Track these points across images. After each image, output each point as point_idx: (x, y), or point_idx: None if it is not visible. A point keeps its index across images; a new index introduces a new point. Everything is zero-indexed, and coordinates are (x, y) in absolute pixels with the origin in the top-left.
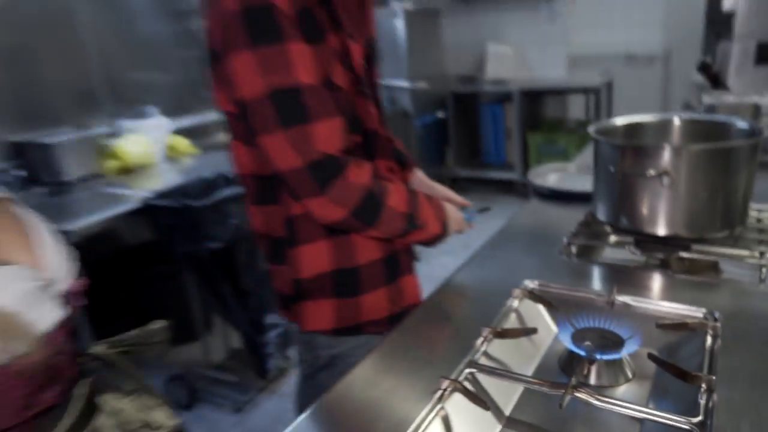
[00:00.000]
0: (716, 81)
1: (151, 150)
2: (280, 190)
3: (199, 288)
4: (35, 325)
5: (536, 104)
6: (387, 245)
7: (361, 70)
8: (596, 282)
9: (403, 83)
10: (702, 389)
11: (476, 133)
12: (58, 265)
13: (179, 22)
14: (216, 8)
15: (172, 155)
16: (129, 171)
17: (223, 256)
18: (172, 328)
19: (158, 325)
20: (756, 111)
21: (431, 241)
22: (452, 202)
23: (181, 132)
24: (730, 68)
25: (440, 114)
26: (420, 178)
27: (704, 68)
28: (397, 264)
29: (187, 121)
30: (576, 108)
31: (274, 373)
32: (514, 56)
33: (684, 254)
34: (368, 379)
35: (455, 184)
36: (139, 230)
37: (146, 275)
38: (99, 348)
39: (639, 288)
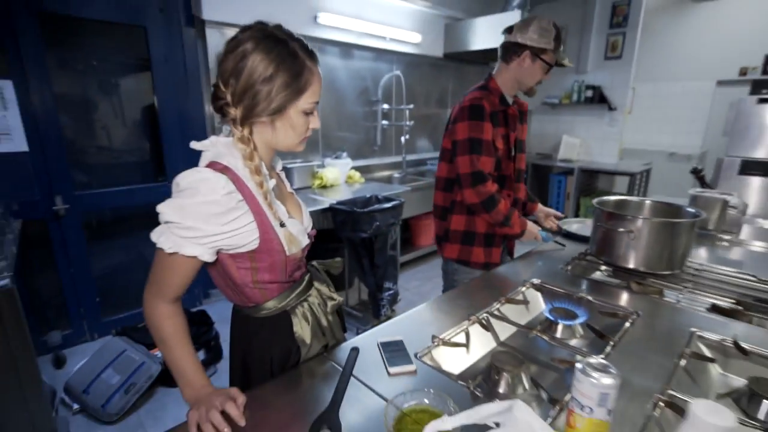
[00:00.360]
0: (702, 181)
1: (339, 176)
2: (453, 186)
3: (350, 259)
4: (300, 242)
5: (591, 179)
6: (490, 228)
7: (508, 146)
8: (577, 288)
9: None
10: (610, 344)
11: (545, 193)
12: (308, 220)
13: (367, 106)
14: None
15: (349, 181)
16: (325, 187)
17: (367, 242)
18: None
19: (338, 260)
20: (724, 204)
21: (514, 236)
22: (551, 215)
23: (356, 168)
24: (721, 174)
25: None
26: (540, 207)
27: (695, 172)
28: (492, 240)
29: (360, 162)
30: (621, 186)
31: (383, 317)
32: (580, 145)
33: (640, 281)
34: (451, 301)
35: None
36: (326, 220)
37: (325, 247)
38: (314, 262)
39: (604, 295)
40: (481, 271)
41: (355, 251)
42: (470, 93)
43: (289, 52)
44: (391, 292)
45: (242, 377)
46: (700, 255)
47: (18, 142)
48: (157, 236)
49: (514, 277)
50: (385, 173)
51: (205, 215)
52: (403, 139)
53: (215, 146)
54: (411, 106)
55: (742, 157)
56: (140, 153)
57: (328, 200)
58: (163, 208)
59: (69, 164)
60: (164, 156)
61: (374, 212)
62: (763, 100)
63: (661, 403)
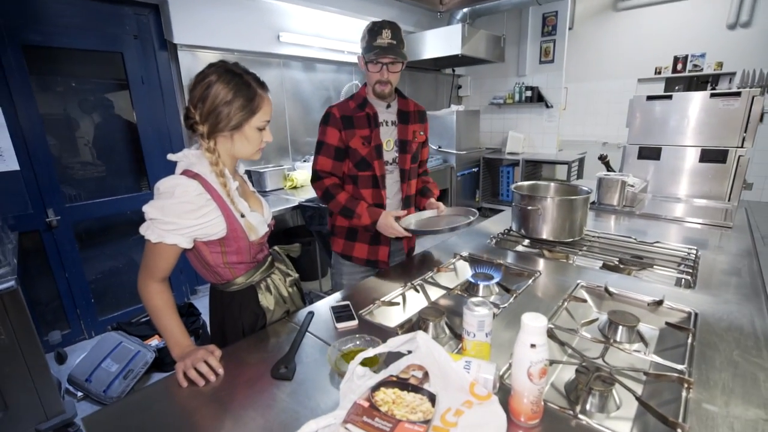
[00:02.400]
0: (608, 166)
1: (308, 177)
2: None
3: (321, 250)
4: (260, 231)
5: (535, 169)
6: (352, 224)
7: (371, 146)
8: (503, 258)
9: (453, 151)
10: (513, 296)
11: (496, 182)
12: (269, 213)
13: None
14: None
15: None
16: (296, 188)
17: None
18: (301, 268)
19: (296, 245)
20: (623, 184)
21: (366, 227)
22: (428, 209)
23: None
24: (625, 160)
25: (474, 169)
26: (431, 201)
27: (601, 158)
28: (378, 238)
29: None
30: (561, 173)
31: None
32: (525, 139)
33: (551, 249)
34: (395, 272)
35: (481, 211)
36: (298, 217)
37: (299, 241)
38: (276, 247)
39: (523, 262)
40: (365, 267)
41: (325, 242)
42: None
43: (243, 82)
44: None
45: (220, 341)
46: (605, 226)
47: (9, 162)
48: (144, 230)
49: (449, 250)
50: None
51: (181, 212)
52: None
53: (187, 157)
54: None
55: (638, 145)
56: (123, 165)
57: (298, 199)
58: (148, 208)
59: (58, 179)
60: (146, 167)
61: None
62: (650, 98)
63: None
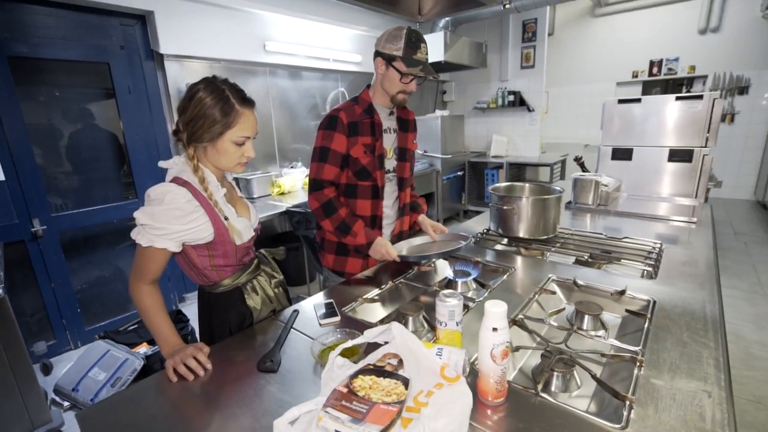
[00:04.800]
0: (583, 167)
1: (296, 184)
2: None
3: (308, 255)
4: (246, 235)
5: (519, 171)
6: (344, 241)
7: (375, 156)
8: (479, 255)
9: (439, 155)
10: (488, 290)
11: (481, 185)
12: (256, 218)
13: (317, 119)
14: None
15: (305, 187)
16: (284, 194)
17: None
18: (289, 273)
19: (281, 248)
20: (597, 184)
21: (360, 246)
22: (438, 228)
23: None
24: (600, 161)
25: (460, 173)
26: (423, 218)
27: (576, 160)
28: (346, 249)
29: None
30: (544, 175)
31: None
32: (508, 143)
33: (527, 246)
34: (378, 272)
35: (466, 214)
36: (285, 223)
37: (286, 246)
38: (262, 250)
39: (500, 259)
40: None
41: (312, 247)
42: (340, 104)
43: (222, 96)
44: None
45: (208, 340)
46: (581, 224)
47: None
48: (135, 234)
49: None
50: None
51: (170, 218)
52: None
53: (177, 165)
54: None
55: (612, 146)
56: (110, 174)
57: (285, 205)
58: (138, 214)
59: (44, 189)
60: (133, 175)
61: None
62: (622, 101)
63: (512, 323)
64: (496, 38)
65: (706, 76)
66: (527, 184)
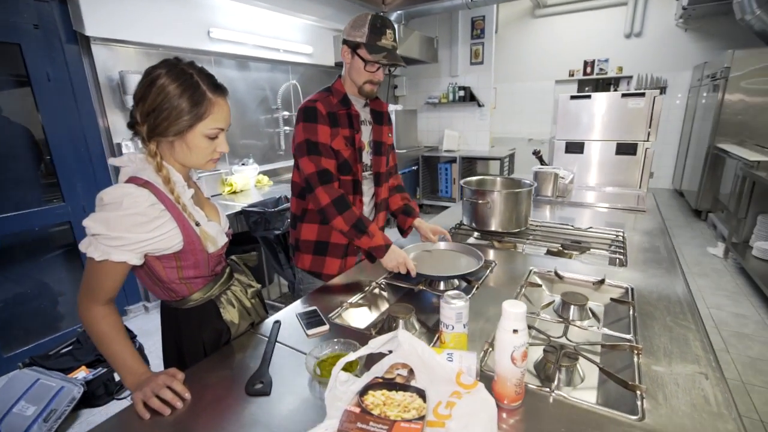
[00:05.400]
0: (541, 160)
1: (248, 182)
2: (305, 193)
3: (267, 256)
4: (219, 241)
5: (471, 165)
6: (345, 239)
7: (354, 149)
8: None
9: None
10: (475, 287)
11: (435, 179)
12: (225, 221)
13: (268, 113)
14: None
15: (258, 185)
16: (236, 192)
17: (281, 239)
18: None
19: (253, 254)
20: (555, 176)
21: (377, 248)
22: (438, 232)
23: (264, 172)
24: (554, 154)
25: (414, 167)
26: (420, 222)
27: (535, 153)
28: (347, 250)
29: (268, 167)
30: (494, 168)
31: None
32: (460, 137)
33: (499, 240)
34: (356, 274)
35: (421, 208)
36: (240, 224)
37: (242, 249)
38: (233, 257)
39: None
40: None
41: (271, 248)
42: (313, 95)
43: (192, 83)
44: None
45: (176, 363)
46: (543, 215)
47: None
48: (86, 247)
49: (406, 242)
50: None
51: (130, 225)
52: None
53: (133, 162)
54: None
55: (565, 140)
56: (28, 175)
57: (239, 204)
58: (89, 222)
59: None
60: (58, 176)
61: (285, 210)
62: (573, 97)
63: None
64: (446, 34)
65: (631, 77)
66: (498, 178)
